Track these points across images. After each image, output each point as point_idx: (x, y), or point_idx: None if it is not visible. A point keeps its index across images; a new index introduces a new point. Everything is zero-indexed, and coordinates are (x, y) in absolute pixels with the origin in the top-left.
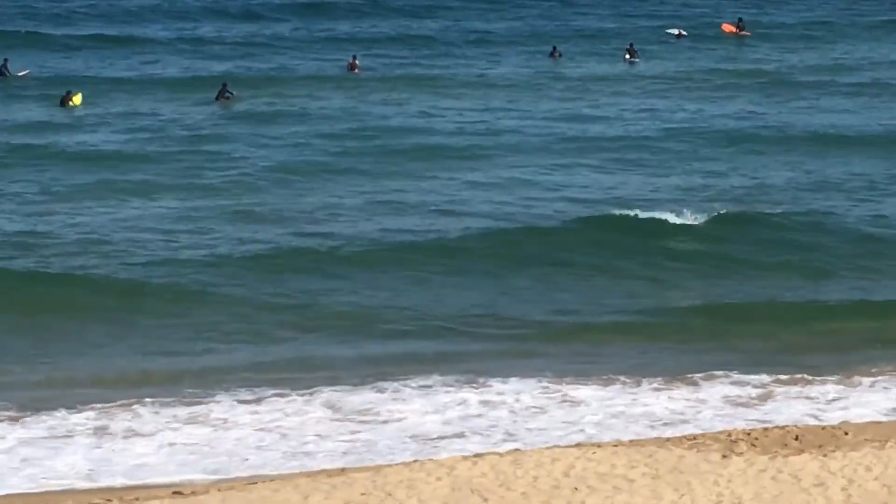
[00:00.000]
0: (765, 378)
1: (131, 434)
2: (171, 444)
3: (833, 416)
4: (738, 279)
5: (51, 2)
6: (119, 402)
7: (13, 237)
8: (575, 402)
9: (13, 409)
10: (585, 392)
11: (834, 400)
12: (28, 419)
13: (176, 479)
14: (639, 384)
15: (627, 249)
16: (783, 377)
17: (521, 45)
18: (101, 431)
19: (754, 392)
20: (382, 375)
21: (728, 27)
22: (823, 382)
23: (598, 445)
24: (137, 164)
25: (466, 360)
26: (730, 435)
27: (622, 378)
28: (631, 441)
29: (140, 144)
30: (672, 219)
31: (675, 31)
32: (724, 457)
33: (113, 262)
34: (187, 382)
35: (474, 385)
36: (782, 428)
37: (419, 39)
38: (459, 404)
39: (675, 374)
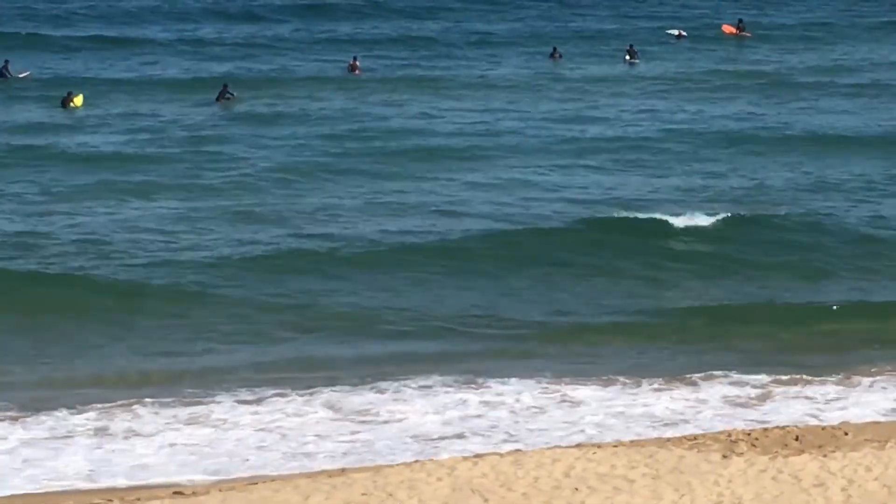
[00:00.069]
0: (765, 378)
1: (132, 434)
2: (171, 445)
3: (832, 417)
4: (738, 280)
5: (51, 3)
6: (119, 403)
7: (14, 238)
8: (575, 403)
9: (14, 410)
10: (585, 392)
11: (833, 400)
12: (29, 420)
13: (176, 479)
14: (639, 384)
15: (627, 250)
16: (783, 377)
17: (521, 47)
18: (101, 432)
19: (754, 392)
20: (383, 376)
21: (728, 28)
22: (823, 383)
23: (599, 446)
24: (138, 165)
25: (467, 361)
26: (730, 435)
27: (622, 378)
28: (631, 441)
29: (141, 145)
30: (671, 219)
31: (675, 32)
32: (724, 457)
33: (113, 262)
34: (188, 383)
35: (475, 385)
36: (782, 428)
37: (420, 41)
38: (460, 405)
39: (675, 374)
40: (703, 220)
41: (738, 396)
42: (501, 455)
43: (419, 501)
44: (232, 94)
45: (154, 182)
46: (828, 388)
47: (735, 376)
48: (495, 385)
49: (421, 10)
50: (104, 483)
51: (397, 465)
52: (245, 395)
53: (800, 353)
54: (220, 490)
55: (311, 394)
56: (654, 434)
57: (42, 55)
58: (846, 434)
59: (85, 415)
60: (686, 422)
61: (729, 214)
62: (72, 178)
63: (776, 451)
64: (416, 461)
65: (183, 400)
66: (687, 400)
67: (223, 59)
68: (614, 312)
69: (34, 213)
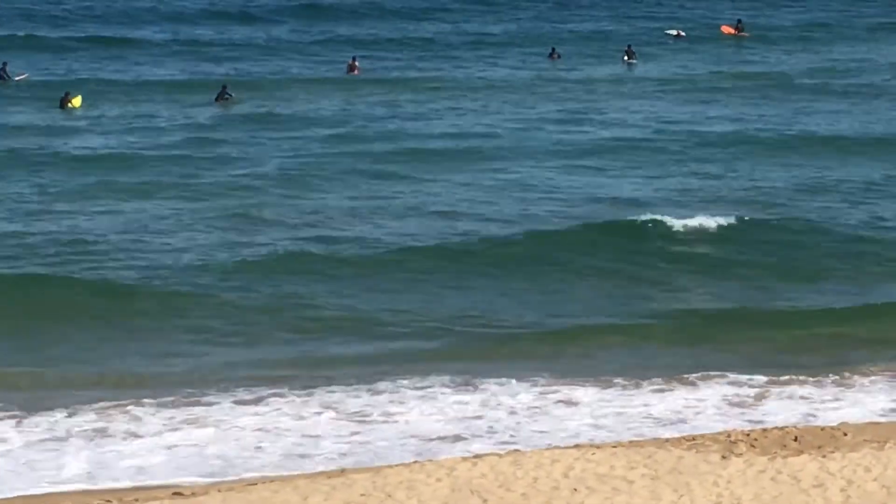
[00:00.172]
0: (763, 379)
1: (131, 436)
2: (170, 446)
3: (831, 417)
4: (736, 280)
5: (49, 4)
6: (118, 404)
7: (12, 239)
8: (574, 404)
9: (13, 412)
10: (584, 393)
11: (832, 401)
12: (27, 421)
13: (175, 480)
14: (638, 385)
15: (625, 251)
16: (781, 378)
17: (519, 47)
18: (100, 433)
19: (753, 393)
20: (381, 376)
21: (727, 28)
22: (822, 383)
23: (598, 446)
24: (137, 166)
25: (465, 362)
26: (729, 436)
27: (621, 379)
28: (630, 442)
29: (139, 146)
30: (669, 220)
31: (674, 32)
32: (723, 457)
33: (111, 263)
34: (186, 384)
35: (473, 386)
36: (781, 429)
37: (418, 41)
38: (459, 405)
39: (674, 375)
40: (701, 222)
41: (737, 396)
42: (500, 455)
43: (418, 502)
44: (230, 95)
45: (153, 183)
46: (826, 389)
47: (734, 377)
48: (494, 386)
49: (419, 11)
50: (103, 484)
51: (396, 465)
52: (244, 395)
53: (798, 353)
54: (219, 491)
55: (309, 395)
56: (653, 434)
57: (40, 56)
58: (845, 435)
59: (83, 416)
60: (685, 422)
61: (727, 215)
62: (70, 179)
63: (775, 452)
64: (416, 462)
65: (182, 401)
66: (686, 400)
67: (221, 59)
68: (613, 313)
69: (32, 214)
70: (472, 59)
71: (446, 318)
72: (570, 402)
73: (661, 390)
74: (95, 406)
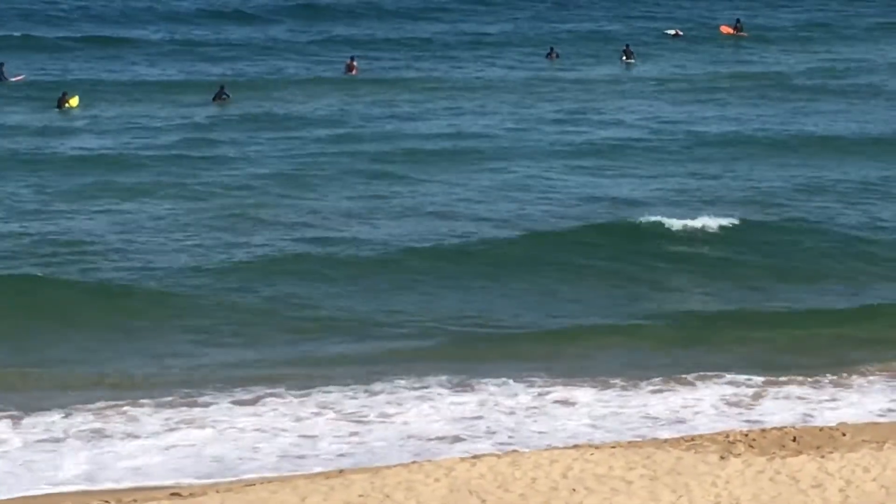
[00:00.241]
0: (762, 379)
1: (129, 436)
2: (168, 447)
3: (830, 417)
4: (734, 281)
5: (46, 4)
6: (116, 405)
7: (9, 239)
8: (572, 404)
9: (10, 413)
10: (583, 393)
11: (830, 401)
12: (25, 422)
13: (174, 480)
14: (636, 386)
15: (623, 252)
16: (780, 378)
17: (517, 47)
18: (98, 434)
19: (751, 393)
20: (379, 377)
21: (726, 29)
22: (820, 384)
23: (596, 447)
24: (134, 166)
25: (463, 362)
26: (727, 436)
27: (619, 379)
28: (629, 442)
29: (136, 146)
30: (668, 221)
31: (672, 32)
32: (721, 458)
33: (109, 264)
34: (184, 385)
35: (471, 387)
36: (780, 429)
37: (416, 41)
38: (456, 406)
39: (672, 375)
40: (698, 222)
41: (736, 397)
42: (499, 456)
43: (417, 502)
44: (228, 95)
45: (150, 183)
46: (824, 389)
47: (732, 377)
48: (492, 386)
49: (417, 11)
50: (101, 485)
51: (395, 466)
52: (242, 396)
53: (797, 353)
54: (218, 491)
55: (307, 395)
56: (652, 435)
57: (36, 56)
58: (844, 435)
59: (81, 417)
60: (683, 423)
61: (725, 216)
62: (67, 180)
63: (774, 452)
64: (414, 462)
65: (179, 401)
66: (684, 401)
67: (219, 59)
68: (611, 314)
69: (29, 215)
70: (470, 59)
71: (444, 319)
72: (568, 403)
73: (660, 391)
74: (93, 407)
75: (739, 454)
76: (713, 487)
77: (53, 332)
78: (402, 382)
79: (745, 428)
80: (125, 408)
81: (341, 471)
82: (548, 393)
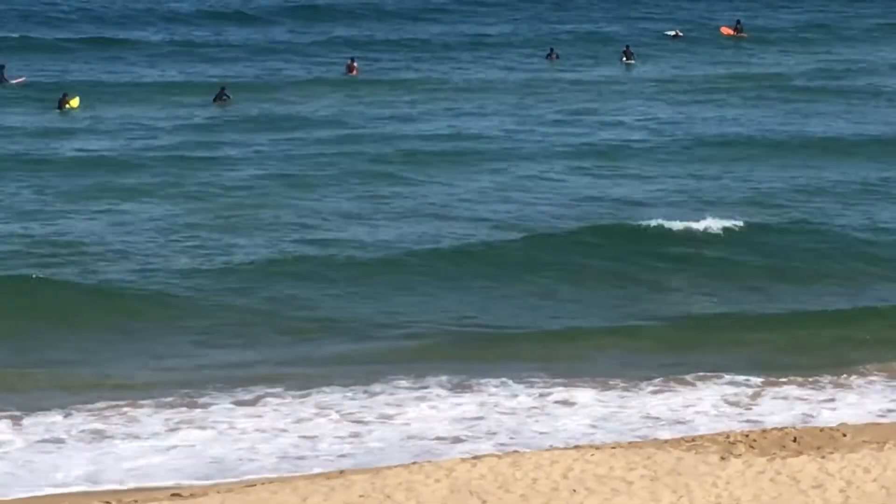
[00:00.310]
0: (762, 380)
1: (129, 437)
2: (168, 447)
3: (830, 418)
4: (734, 282)
5: (46, 5)
6: (116, 406)
7: (9, 240)
8: (572, 405)
9: (11, 413)
10: (583, 394)
11: (830, 402)
12: (26, 423)
13: (174, 481)
14: (637, 386)
15: (623, 253)
16: (780, 379)
17: (517, 48)
18: (98, 435)
19: (752, 393)
20: (379, 378)
21: (726, 30)
22: (820, 384)
23: (597, 447)
24: (135, 168)
25: (463, 363)
26: (728, 437)
27: (620, 380)
28: (629, 443)
29: (137, 148)
30: (667, 222)
31: (672, 32)
32: (722, 458)
33: (109, 265)
34: (185, 386)
35: (471, 388)
36: (781, 429)
37: (416, 42)
38: (456, 407)
39: (673, 376)
40: (698, 223)
41: (736, 397)
42: (499, 457)
43: (417, 503)
44: (228, 96)
45: (151, 184)
46: (825, 390)
47: (732, 378)
48: (492, 387)
49: (417, 12)
50: (102, 486)
51: (395, 466)
52: (242, 396)
53: (797, 354)
54: (218, 492)
55: (307, 396)
56: (652, 436)
57: (37, 57)
58: (844, 435)
59: (82, 418)
60: (684, 423)
61: (725, 217)
62: (67, 181)
63: (774, 453)
64: (415, 463)
65: (180, 402)
66: (685, 401)
67: (219, 61)
68: (611, 315)
69: (29, 216)
70: (470, 60)
71: (443, 320)
72: (568, 404)
73: (661, 391)
74: (93, 407)
75: (740, 455)
76: (714, 488)
77: (53, 333)
78: (402, 383)
79: (745, 428)
80: (125, 408)
81: (342, 471)
82: (548, 393)
